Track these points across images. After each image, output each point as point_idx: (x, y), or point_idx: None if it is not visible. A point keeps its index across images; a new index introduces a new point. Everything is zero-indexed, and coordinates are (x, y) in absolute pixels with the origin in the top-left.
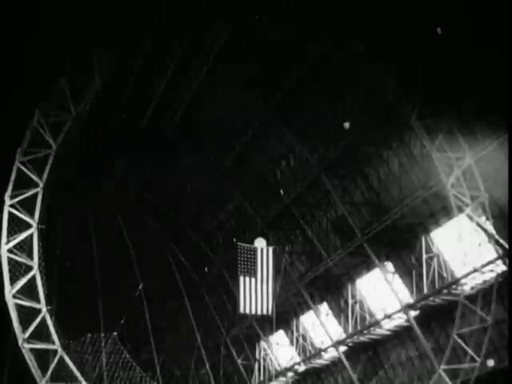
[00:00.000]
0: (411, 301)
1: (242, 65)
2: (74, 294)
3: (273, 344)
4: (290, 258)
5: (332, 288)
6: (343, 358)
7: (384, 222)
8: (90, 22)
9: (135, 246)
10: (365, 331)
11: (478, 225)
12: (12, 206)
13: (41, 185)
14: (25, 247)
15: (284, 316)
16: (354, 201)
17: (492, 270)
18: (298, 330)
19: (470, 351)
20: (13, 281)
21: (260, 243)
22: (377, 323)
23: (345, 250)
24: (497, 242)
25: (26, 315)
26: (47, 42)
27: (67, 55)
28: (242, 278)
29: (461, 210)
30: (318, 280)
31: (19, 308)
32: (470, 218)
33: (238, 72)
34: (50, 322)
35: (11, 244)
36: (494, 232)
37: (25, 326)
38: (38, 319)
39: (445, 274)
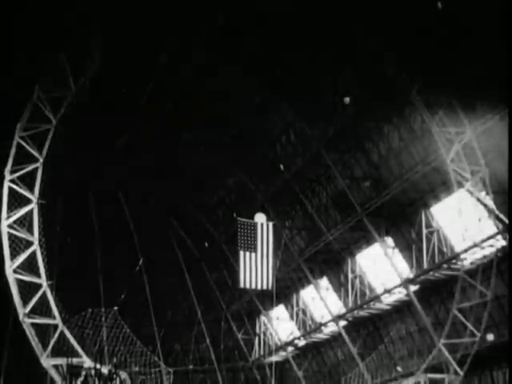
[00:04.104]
0: (411, 275)
1: (242, 40)
2: (75, 268)
3: (273, 318)
4: (290, 233)
5: (332, 263)
6: (343, 332)
7: (384, 197)
8: None
9: (136, 221)
10: (365, 306)
11: (478, 200)
12: (12, 181)
13: (41, 160)
14: (25, 222)
15: (284, 291)
16: (354, 176)
17: (492, 245)
18: (298, 305)
19: (469, 326)
20: (13, 256)
21: (260, 218)
22: (377, 298)
23: (345, 224)
24: (497, 217)
25: (27, 290)
26: (48, 17)
27: (68, 31)
28: (242, 253)
29: (461, 185)
30: (317, 255)
31: (20, 283)
32: (470, 192)
33: (238, 47)
34: (50, 297)
35: (11, 219)
36: (494, 207)
37: (25, 300)
38: (39, 294)
39: (445, 249)
